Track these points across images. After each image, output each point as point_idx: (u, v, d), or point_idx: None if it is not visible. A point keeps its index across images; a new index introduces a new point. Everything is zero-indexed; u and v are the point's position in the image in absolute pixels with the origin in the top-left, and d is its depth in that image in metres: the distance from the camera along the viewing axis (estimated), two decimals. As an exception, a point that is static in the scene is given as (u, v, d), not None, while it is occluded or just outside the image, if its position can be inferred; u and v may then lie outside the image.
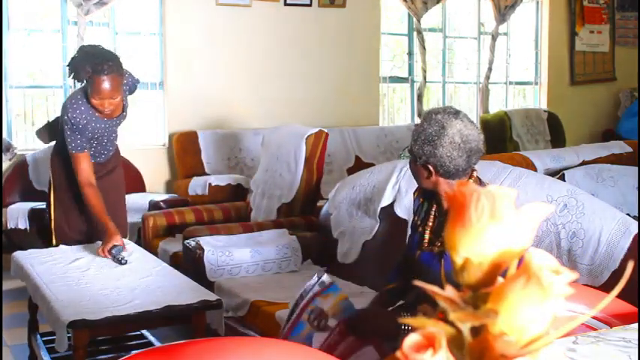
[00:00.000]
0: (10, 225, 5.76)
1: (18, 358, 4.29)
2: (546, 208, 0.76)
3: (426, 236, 2.65)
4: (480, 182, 2.60)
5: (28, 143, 6.39)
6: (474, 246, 0.74)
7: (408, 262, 2.80)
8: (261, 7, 7.21)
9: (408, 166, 4.01)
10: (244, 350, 1.87)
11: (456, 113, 2.53)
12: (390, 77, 8.28)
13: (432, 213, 2.68)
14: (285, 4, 7.34)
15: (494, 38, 8.79)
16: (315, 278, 2.90)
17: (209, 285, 3.89)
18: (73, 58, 4.10)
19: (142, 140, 6.94)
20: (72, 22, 6.50)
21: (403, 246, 3.79)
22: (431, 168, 2.52)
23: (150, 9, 6.90)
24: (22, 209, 5.69)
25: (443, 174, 2.52)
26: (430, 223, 2.67)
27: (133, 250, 4.11)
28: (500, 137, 8.23)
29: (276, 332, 3.35)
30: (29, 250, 4.21)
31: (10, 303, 5.18)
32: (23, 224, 5.60)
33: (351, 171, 6.56)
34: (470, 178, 2.57)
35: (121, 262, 3.87)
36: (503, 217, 0.73)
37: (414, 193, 2.87)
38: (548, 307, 0.70)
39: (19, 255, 4.12)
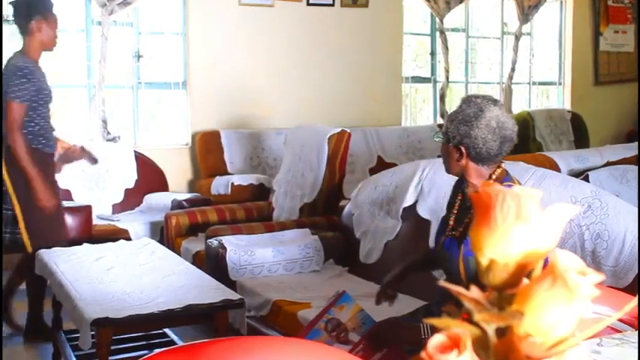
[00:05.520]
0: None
1: (42, 356, 4.32)
2: (572, 209, 0.75)
3: (451, 222, 2.68)
4: (506, 174, 2.60)
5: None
6: (499, 247, 0.74)
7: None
8: (284, 6, 7.22)
9: (430, 165, 4.02)
10: (267, 350, 1.88)
11: (495, 101, 2.58)
12: (412, 77, 8.26)
13: (458, 201, 2.69)
14: (308, 4, 7.35)
15: (517, 38, 8.75)
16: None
17: (231, 284, 3.90)
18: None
19: (165, 140, 6.97)
20: (96, 22, 6.54)
21: (425, 246, 3.79)
22: (463, 149, 2.54)
23: (173, 9, 6.93)
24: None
25: (474, 157, 2.54)
26: (455, 211, 2.69)
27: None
28: (523, 138, 8.14)
29: (298, 332, 3.35)
30: (53, 249, 4.25)
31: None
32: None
33: (373, 171, 6.56)
34: (498, 167, 2.58)
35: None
36: (528, 218, 0.73)
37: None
38: (575, 308, 0.70)
39: (44, 253, 4.15)
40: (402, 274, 2.97)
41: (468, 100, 2.58)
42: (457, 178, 2.74)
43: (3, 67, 4.40)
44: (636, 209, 3.10)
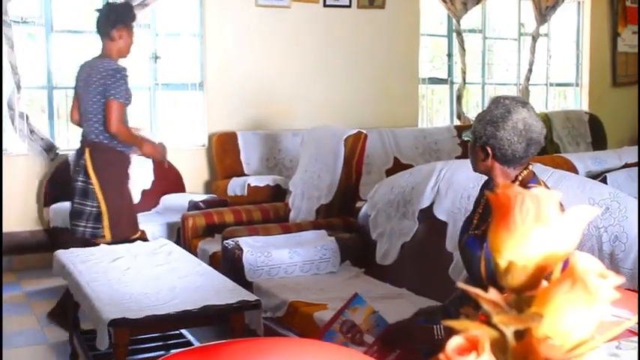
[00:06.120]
0: (53, 224, 5.84)
1: (59, 356, 4.34)
2: (591, 211, 0.75)
3: (474, 221, 2.68)
4: (533, 176, 2.60)
5: (70, 143, 6.46)
6: (518, 249, 0.73)
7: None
8: (301, 8, 7.22)
9: (447, 167, 4.01)
10: (283, 351, 1.88)
11: (525, 103, 2.57)
12: (429, 78, 8.25)
13: (484, 200, 2.70)
14: (325, 6, 7.35)
15: (534, 39, 8.71)
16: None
17: (247, 285, 3.91)
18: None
19: (182, 141, 6.99)
20: (114, 23, 6.57)
21: (442, 248, 3.79)
22: (489, 150, 2.54)
23: (190, 10, 6.95)
24: (64, 209, 5.75)
25: (499, 158, 2.54)
26: (480, 210, 2.69)
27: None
28: (540, 139, 8.14)
29: (314, 333, 3.35)
30: (71, 249, 4.27)
31: (52, 300, 5.24)
32: (65, 223, 5.67)
33: (389, 172, 6.54)
34: (525, 169, 2.58)
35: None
36: (548, 220, 0.73)
37: None
38: (594, 311, 0.70)
39: (61, 254, 4.17)
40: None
41: (496, 101, 2.57)
42: (485, 177, 2.74)
43: (82, 68, 4.82)
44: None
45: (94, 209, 4.56)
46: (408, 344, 2.70)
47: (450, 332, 0.71)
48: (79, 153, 4.67)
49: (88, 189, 4.56)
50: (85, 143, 4.67)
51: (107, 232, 4.57)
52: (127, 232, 4.65)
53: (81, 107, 4.70)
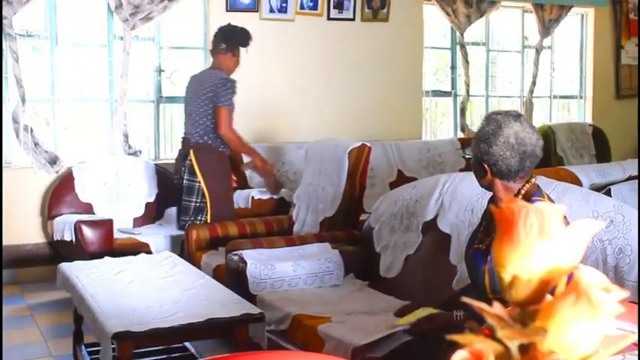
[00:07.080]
0: (57, 237, 5.85)
1: (63, 369, 4.34)
2: (596, 225, 0.75)
3: (480, 235, 2.69)
4: (537, 188, 2.60)
5: (74, 156, 6.47)
6: (522, 263, 0.73)
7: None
8: (304, 21, 7.24)
9: (451, 180, 4.01)
10: (287, 364, 1.88)
11: (517, 116, 2.58)
12: (432, 91, 8.25)
13: (487, 215, 2.71)
14: (328, 19, 7.36)
15: (538, 52, 8.72)
16: None
17: (251, 298, 3.90)
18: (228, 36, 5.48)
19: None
20: (118, 36, 6.59)
21: (446, 260, 3.78)
22: (486, 167, 2.56)
23: (194, 24, 6.97)
24: (68, 221, 5.76)
25: (496, 173, 2.56)
26: (485, 223, 2.70)
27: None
28: (544, 151, 8.10)
29: (318, 346, 3.35)
30: (75, 262, 4.27)
31: (55, 313, 5.25)
32: (69, 236, 5.67)
33: (393, 185, 6.54)
34: (528, 182, 2.59)
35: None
36: (552, 234, 0.73)
37: None
38: (598, 325, 0.70)
39: (65, 266, 4.18)
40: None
41: (488, 118, 2.60)
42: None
43: (192, 79, 5.59)
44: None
45: (198, 204, 5.25)
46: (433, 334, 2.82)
47: (455, 346, 0.71)
48: (184, 154, 5.34)
49: (194, 186, 5.22)
50: (188, 145, 5.32)
51: (209, 218, 5.24)
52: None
53: (188, 113, 5.40)
